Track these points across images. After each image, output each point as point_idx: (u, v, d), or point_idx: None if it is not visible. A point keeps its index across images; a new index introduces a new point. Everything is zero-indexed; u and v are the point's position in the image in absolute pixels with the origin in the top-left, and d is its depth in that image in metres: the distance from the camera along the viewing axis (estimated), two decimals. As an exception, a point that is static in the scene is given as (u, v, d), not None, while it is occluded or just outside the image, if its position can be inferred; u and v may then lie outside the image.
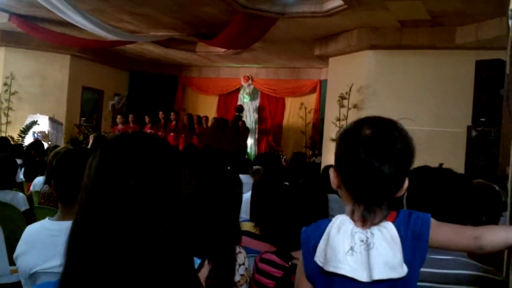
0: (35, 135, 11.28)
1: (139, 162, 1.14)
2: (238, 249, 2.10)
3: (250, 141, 14.84)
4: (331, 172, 1.53)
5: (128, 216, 1.09)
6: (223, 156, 6.18)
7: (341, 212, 1.51)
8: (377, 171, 1.40)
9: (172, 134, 13.09)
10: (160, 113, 13.60)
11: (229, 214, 2.14)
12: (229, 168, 5.47)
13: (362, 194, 1.44)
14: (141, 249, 1.09)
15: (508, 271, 1.90)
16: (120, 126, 13.20)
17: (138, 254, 1.08)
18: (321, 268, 1.46)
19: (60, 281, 1.14)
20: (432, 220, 1.44)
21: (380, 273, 1.37)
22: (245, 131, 13.96)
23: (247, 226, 2.97)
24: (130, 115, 13.34)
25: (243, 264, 2.07)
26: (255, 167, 4.53)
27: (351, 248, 1.41)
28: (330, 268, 1.42)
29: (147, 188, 1.12)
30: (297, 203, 2.31)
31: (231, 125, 13.63)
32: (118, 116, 13.46)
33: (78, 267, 1.10)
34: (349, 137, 1.47)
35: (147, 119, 13.31)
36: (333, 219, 1.49)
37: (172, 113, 13.72)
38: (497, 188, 2.94)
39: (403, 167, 1.43)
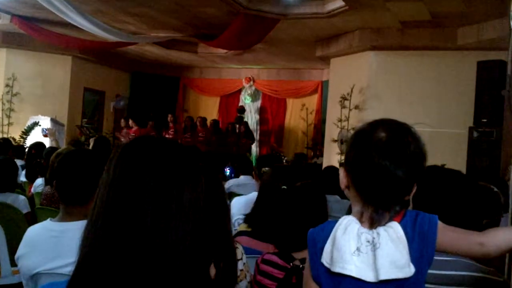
0: (44, 131, 11.30)
1: (159, 164, 1.15)
2: (235, 244, 2.10)
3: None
4: (341, 172, 1.53)
5: (147, 217, 1.10)
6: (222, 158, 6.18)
7: (342, 213, 1.51)
8: (390, 175, 1.41)
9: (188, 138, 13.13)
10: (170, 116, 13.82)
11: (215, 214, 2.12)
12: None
13: (372, 196, 1.44)
14: (159, 250, 1.09)
15: (509, 272, 1.90)
16: (125, 130, 13.31)
17: (156, 255, 1.09)
18: (327, 269, 1.46)
19: (72, 279, 1.14)
20: (439, 223, 1.44)
21: (386, 273, 1.38)
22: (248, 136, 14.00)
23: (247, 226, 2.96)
24: (130, 120, 13.53)
25: (241, 259, 2.07)
26: (264, 169, 4.51)
27: (358, 249, 1.41)
28: (337, 269, 1.43)
29: (166, 189, 1.13)
30: (296, 204, 2.31)
31: (230, 130, 13.64)
32: (122, 120, 13.56)
33: (92, 266, 1.10)
34: (362, 139, 1.48)
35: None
36: (340, 220, 1.49)
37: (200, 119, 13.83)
38: (495, 189, 2.93)
39: (415, 171, 1.44)
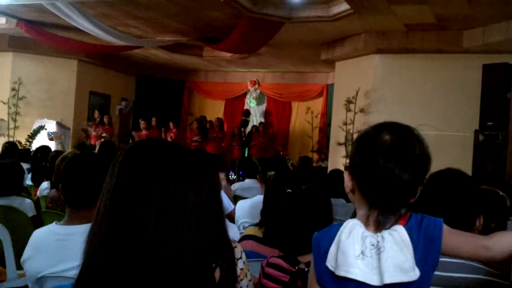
0: (49, 134, 11.36)
1: (163, 166, 1.15)
2: (233, 243, 2.09)
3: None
4: (346, 176, 1.53)
5: (151, 220, 1.09)
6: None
7: (347, 216, 1.51)
8: (396, 178, 1.41)
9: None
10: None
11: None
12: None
13: (378, 200, 1.44)
14: (163, 253, 1.09)
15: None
16: (144, 132, 13.36)
17: (160, 258, 1.08)
18: (332, 273, 1.46)
19: (77, 282, 1.14)
20: (445, 226, 1.44)
21: (391, 277, 1.37)
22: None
23: (252, 230, 2.96)
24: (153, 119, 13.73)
25: (241, 258, 2.06)
26: (269, 172, 4.51)
27: (362, 252, 1.41)
28: (341, 273, 1.42)
29: (170, 191, 1.12)
30: (301, 208, 2.31)
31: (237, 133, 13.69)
32: (97, 113, 13.47)
33: (96, 270, 1.10)
34: (367, 142, 1.48)
35: (171, 124, 13.75)
36: (344, 223, 1.49)
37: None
38: (500, 193, 2.92)
39: (420, 174, 1.44)
